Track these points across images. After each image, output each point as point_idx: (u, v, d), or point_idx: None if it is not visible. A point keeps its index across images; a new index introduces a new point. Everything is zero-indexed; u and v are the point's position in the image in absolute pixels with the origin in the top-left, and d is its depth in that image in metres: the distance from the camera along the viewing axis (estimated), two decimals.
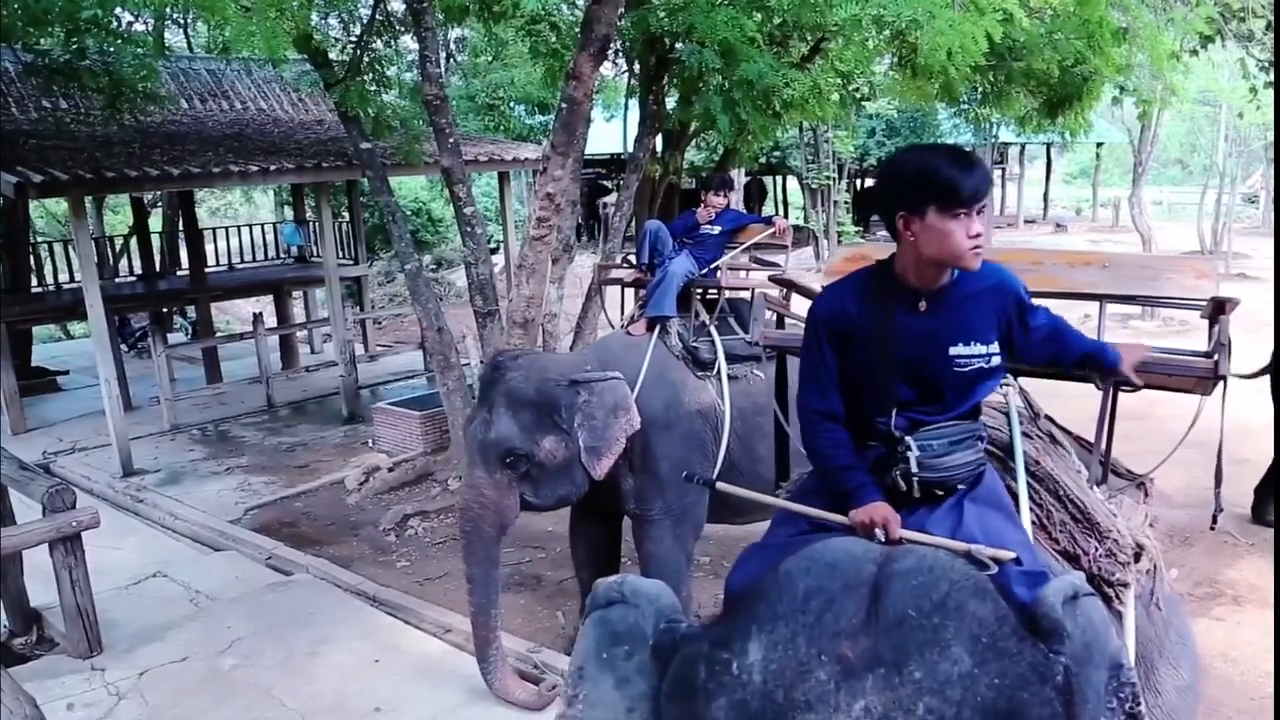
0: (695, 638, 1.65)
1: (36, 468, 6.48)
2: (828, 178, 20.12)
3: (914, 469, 2.01)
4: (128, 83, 8.51)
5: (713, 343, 4.93)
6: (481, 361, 7.80)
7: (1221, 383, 2.53)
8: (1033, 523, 2.26)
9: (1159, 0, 8.10)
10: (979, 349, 2.08)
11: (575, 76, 6.04)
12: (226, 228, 16.45)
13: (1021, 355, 2.21)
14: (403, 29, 9.10)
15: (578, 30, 6.93)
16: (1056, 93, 8.38)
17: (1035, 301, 2.24)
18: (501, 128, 16.85)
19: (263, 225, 16.12)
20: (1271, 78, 9.35)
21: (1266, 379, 5.78)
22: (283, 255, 15.40)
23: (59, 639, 5.38)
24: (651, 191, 9.69)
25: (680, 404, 4.77)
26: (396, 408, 9.11)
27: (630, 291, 5.68)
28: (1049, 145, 27.11)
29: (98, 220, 16.52)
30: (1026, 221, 26.48)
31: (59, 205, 17.53)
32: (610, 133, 15.53)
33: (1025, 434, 2.40)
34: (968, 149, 2.08)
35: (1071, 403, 2.78)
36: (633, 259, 5.61)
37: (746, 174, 18.12)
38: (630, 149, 9.10)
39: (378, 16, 8.31)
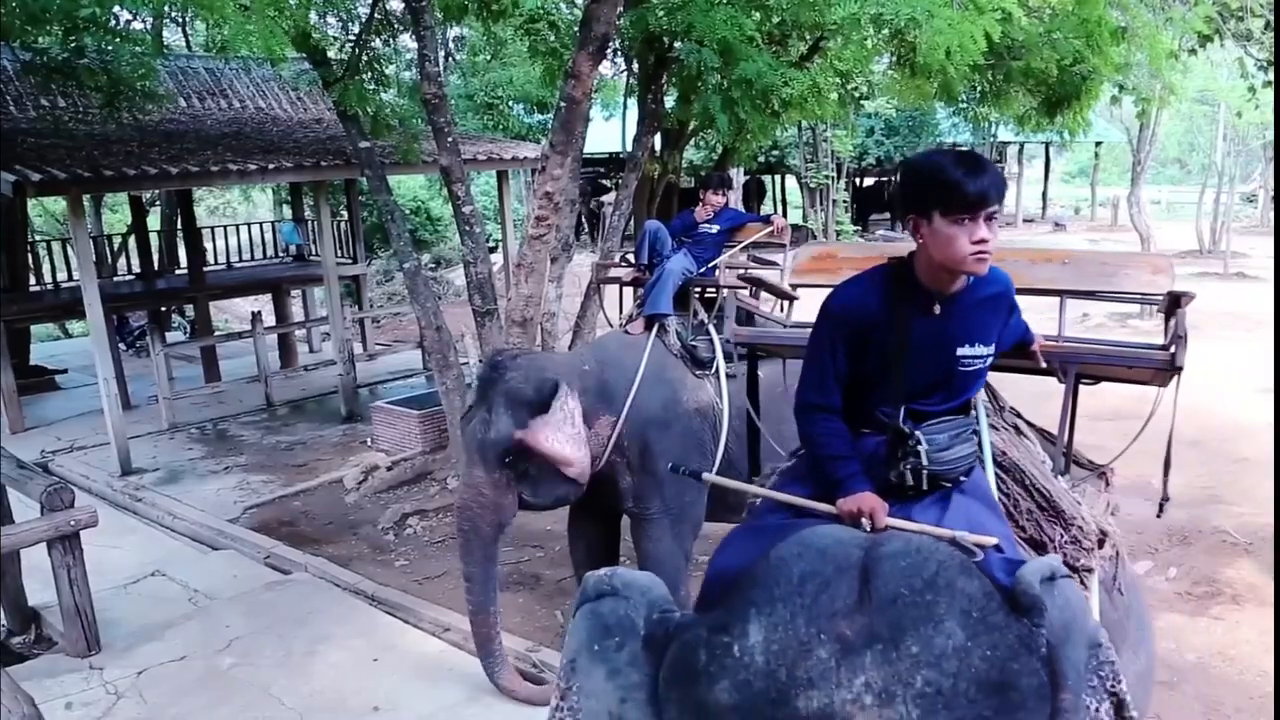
0: (692, 624, 1.69)
1: (35, 466, 6.48)
2: (826, 177, 20.14)
3: (924, 462, 2.06)
4: (126, 81, 8.49)
5: (711, 341, 4.94)
6: (480, 360, 7.80)
7: (1178, 374, 2.64)
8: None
9: None
10: (982, 350, 2.16)
11: (574, 75, 6.04)
12: (225, 226, 16.45)
13: (1000, 347, 2.30)
14: (401, 27, 9.09)
15: (576, 29, 6.93)
16: (1055, 92, 8.37)
17: None
18: (500, 126, 16.85)
19: (261, 224, 16.11)
20: (1270, 77, 9.35)
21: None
22: (281, 254, 15.38)
23: (57, 638, 5.38)
24: (650, 190, 9.69)
25: (679, 403, 4.77)
26: (395, 407, 9.10)
27: (629, 290, 5.68)
28: (1048, 144, 27.14)
29: (96, 219, 16.54)
30: (1025, 221, 26.49)
31: (57, 204, 17.52)
32: (609, 132, 15.56)
33: (992, 426, 2.48)
34: (980, 155, 2.12)
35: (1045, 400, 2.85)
36: (631, 258, 5.61)
37: (745, 173, 18.13)
38: (629, 148, 9.10)
39: (376, 15, 8.30)
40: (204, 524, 7.41)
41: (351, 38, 8.62)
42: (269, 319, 13.69)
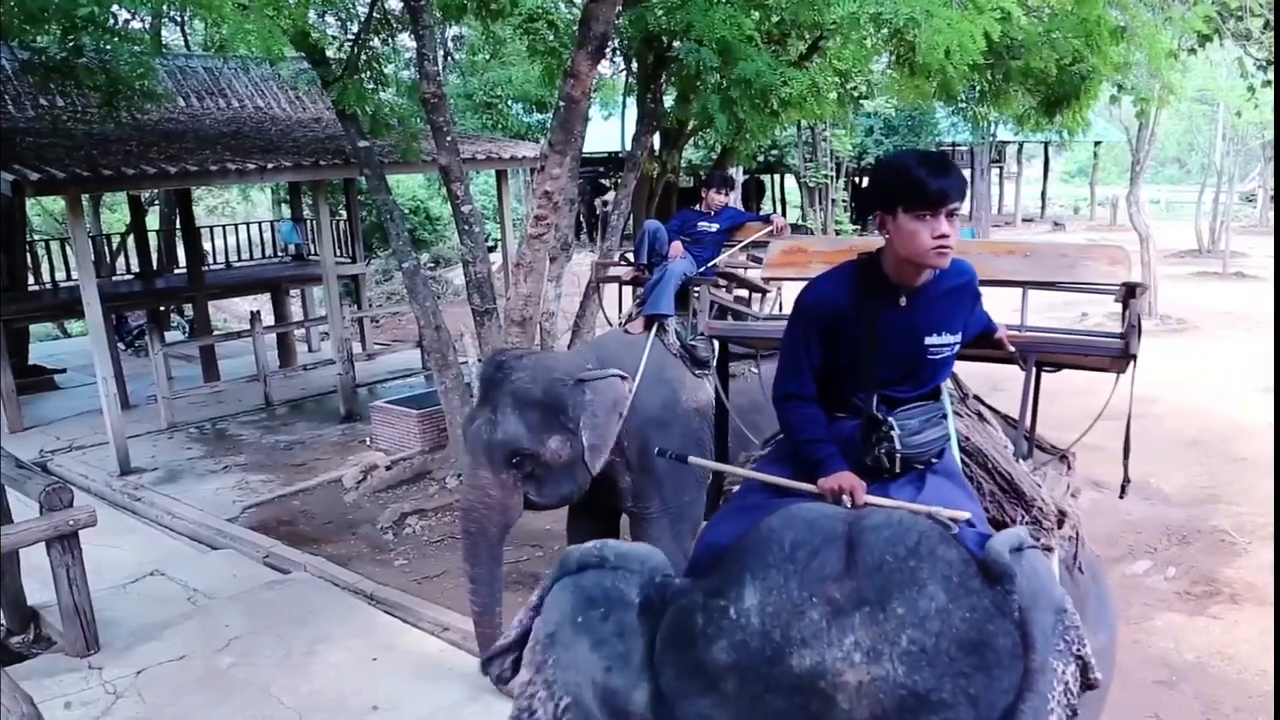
0: (688, 590, 1.78)
1: (34, 466, 6.49)
2: (826, 176, 20.13)
3: (898, 446, 2.18)
4: (125, 80, 8.48)
5: (710, 341, 4.93)
6: (479, 360, 7.79)
7: (1133, 361, 2.78)
8: None
9: None
10: (948, 339, 2.29)
11: (573, 75, 6.04)
12: (224, 226, 16.43)
13: (964, 336, 2.42)
14: (400, 27, 9.08)
15: (575, 28, 6.93)
16: (1054, 91, 8.38)
17: None
18: (499, 126, 16.84)
19: (260, 223, 16.11)
20: (1269, 76, 9.35)
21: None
22: (280, 253, 15.39)
23: (56, 637, 5.37)
24: (650, 190, 9.70)
25: (678, 402, 4.78)
26: (394, 406, 9.10)
27: (628, 290, 5.68)
28: (1047, 144, 27.13)
29: (95, 218, 16.52)
30: (1024, 220, 26.50)
31: (56, 203, 17.50)
32: (608, 131, 15.52)
33: (956, 413, 2.58)
34: (944, 155, 2.27)
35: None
36: (630, 257, 5.61)
37: (744, 172, 18.14)
38: (628, 147, 9.09)
39: (375, 14, 8.30)
40: (203, 523, 7.40)
41: (350, 37, 8.62)
42: (268, 318, 13.67)
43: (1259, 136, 20.08)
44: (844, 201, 20.99)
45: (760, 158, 19.90)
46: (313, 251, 13.78)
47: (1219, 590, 5.59)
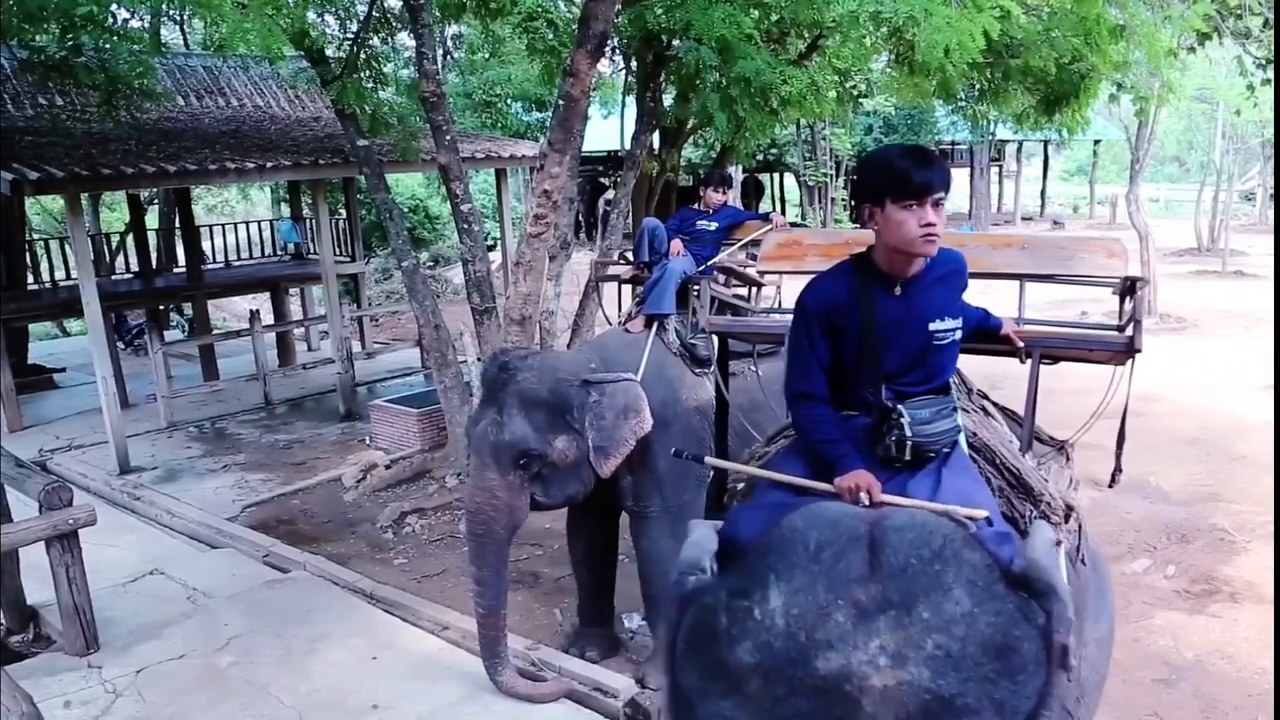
0: (710, 589, 1.77)
1: (33, 465, 6.49)
2: (825, 174, 20.16)
3: (908, 434, 2.20)
4: (124, 80, 8.47)
5: (710, 339, 4.93)
6: (478, 359, 7.79)
7: (1134, 355, 2.78)
8: None
9: None
10: (950, 324, 2.33)
11: (572, 73, 6.03)
12: (223, 225, 16.43)
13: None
14: (399, 26, 9.08)
15: (575, 27, 6.92)
16: (1054, 90, 8.38)
17: None
18: (499, 125, 16.82)
19: (259, 222, 16.09)
20: (1269, 75, 9.34)
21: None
22: (279, 252, 15.37)
23: (56, 637, 5.37)
24: (649, 188, 9.69)
25: (678, 401, 4.77)
26: (393, 405, 9.10)
27: (627, 288, 5.68)
28: (1046, 142, 27.16)
29: (94, 218, 16.54)
30: (1024, 218, 26.52)
31: (55, 203, 17.49)
32: (608, 130, 15.52)
33: (962, 409, 2.59)
34: (926, 148, 2.30)
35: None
36: (630, 255, 5.60)
37: (744, 171, 18.14)
38: (628, 146, 9.09)
39: (374, 13, 8.29)
40: (202, 522, 7.40)
41: (349, 36, 8.62)
42: (267, 317, 13.66)
43: (1258, 135, 20.10)
44: (843, 200, 21.00)
45: (760, 156, 19.91)
46: (312, 250, 13.77)
47: (1218, 589, 5.59)
